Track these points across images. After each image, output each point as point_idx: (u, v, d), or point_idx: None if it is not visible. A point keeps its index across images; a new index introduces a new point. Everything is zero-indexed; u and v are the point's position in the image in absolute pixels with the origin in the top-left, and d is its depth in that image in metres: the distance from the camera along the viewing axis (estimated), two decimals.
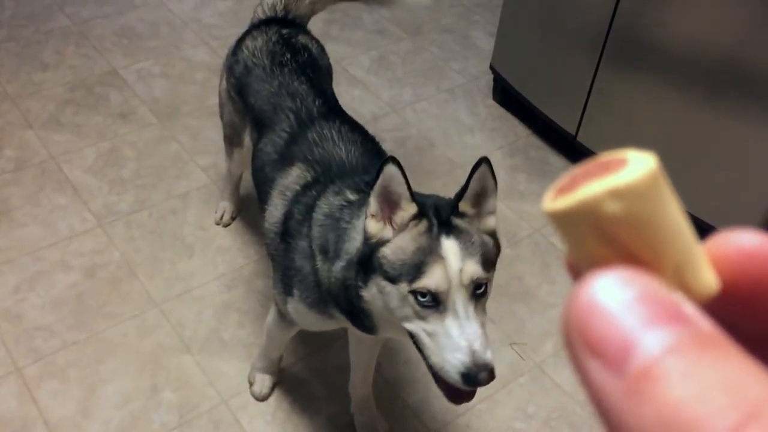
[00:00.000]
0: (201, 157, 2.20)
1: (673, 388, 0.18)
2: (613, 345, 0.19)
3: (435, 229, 1.07)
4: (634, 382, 0.19)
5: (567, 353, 0.20)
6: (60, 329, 1.73)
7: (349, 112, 2.19)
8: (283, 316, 1.42)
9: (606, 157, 0.21)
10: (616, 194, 0.20)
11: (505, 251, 2.02)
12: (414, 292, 1.04)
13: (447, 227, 1.07)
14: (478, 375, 1.02)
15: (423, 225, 1.08)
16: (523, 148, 2.36)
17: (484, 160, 1.10)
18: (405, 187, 1.09)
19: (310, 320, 1.34)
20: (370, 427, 1.60)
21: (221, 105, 1.79)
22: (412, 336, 1.10)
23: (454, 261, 1.04)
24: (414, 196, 1.10)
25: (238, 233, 2.00)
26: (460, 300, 1.04)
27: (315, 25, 2.76)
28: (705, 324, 0.19)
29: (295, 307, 1.33)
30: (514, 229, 2.09)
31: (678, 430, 0.17)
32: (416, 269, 1.04)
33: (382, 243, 1.10)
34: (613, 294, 0.20)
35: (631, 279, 0.20)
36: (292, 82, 1.54)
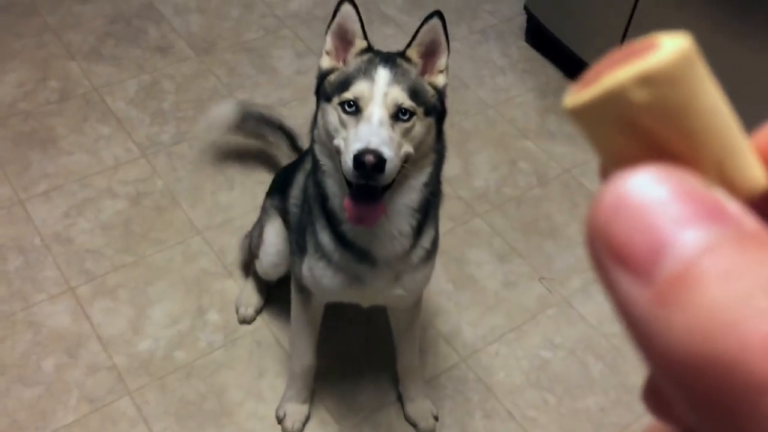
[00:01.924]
0: (238, 91, 2.25)
1: (708, 293, 0.16)
2: (641, 248, 0.17)
3: (376, 59, 1.16)
4: (664, 289, 0.17)
5: (593, 266, 0.18)
6: (109, 252, 1.82)
7: (381, 49, 2.24)
8: (300, 289, 1.41)
9: (635, 43, 0.19)
10: (644, 79, 0.18)
11: (534, 190, 2.08)
12: (342, 103, 1.14)
13: (387, 61, 1.15)
14: (365, 156, 1.06)
15: (367, 56, 1.18)
16: (554, 90, 2.39)
17: (437, 14, 1.19)
18: (359, 24, 1.19)
19: (325, 280, 1.30)
20: (420, 411, 1.59)
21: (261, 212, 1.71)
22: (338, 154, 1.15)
23: (381, 83, 1.12)
24: (366, 36, 1.20)
25: (276, 168, 2.06)
26: (377, 113, 1.10)
27: None
28: (750, 222, 0.17)
29: (309, 265, 1.31)
30: (544, 168, 2.14)
31: (713, 340, 0.16)
32: (346, 84, 1.14)
33: (331, 72, 1.20)
34: (642, 192, 0.18)
35: (663, 175, 0.18)
36: None
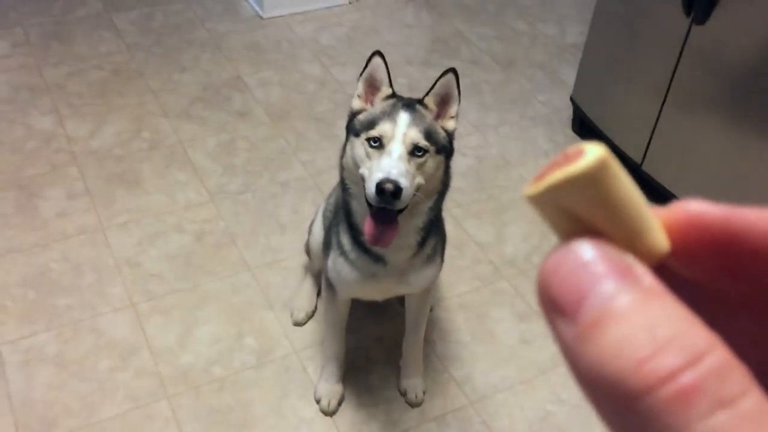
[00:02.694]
0: (302, 153, 2.52)
1: (608, 331, 0.21)
2: (570, 298, 0.22)
3: (399, 104, 1.40)
4: (583, 328, 0.21)
5: (543, 315, 0.23)
6: (169, 278, 2.07)
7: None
8: (330, 286, 1.64)
9: (570, 149, 0.24)
10: (571, 179, 0.23)
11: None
12: (368, 139, 1.37)
13: (407, 106, 1.39)
14: (384, 185, 1.29)
15: (391, 100, 1.43)
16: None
17: (452, 70, 1.43)
18: (386, 74, 1.45)
19: (344, 273, 1.54)
20: (412, 384, 1.82)
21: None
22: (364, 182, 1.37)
23: (402, 125, 1.35)
24: (391, 83, 1.45)
25: None
26: (397, 149, 1.33)
27: (417, 54, 3.07)
28: (648, 279, 0.22)
29: (332, 259, 1.56)
30: None
31: (608, 365, 0.20)
32: (373, 123, 1.38)
33: (360, 112, 1.44)
34: (571, 257, 0.23)
35: (587, 245, 0.23)
36: None
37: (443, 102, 1.44)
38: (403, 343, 1.83)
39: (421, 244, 1.49)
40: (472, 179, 2.48)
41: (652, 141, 2.29)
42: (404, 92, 2.88)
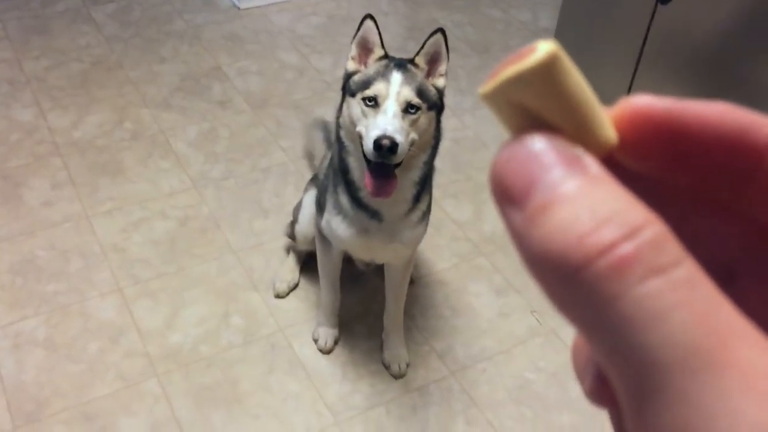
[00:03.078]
0: (283, 140, 2.57)
1: (555, 213, 0.22)
2: (520, 186, 0.23)
3: (391, 65, 1.47)
4: (531, 213, 0.22)
5: (496, 207, 0.24)
6: (155, 262, 2.11)
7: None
8: (322, 238, 1.74)
9: (523, 49, 0.24)
10: (521, 73, 0.24)
11: None
12: (364, 98, 1.45)
13: (399, 66, 1.46)
14: (382, 141, 1.37)
15: (384, 61, 1.50)
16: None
17: (440, 30, 1.50)
18: (378, 36, 1.51)
19: (339, 231, 1.63)
20: (394, 356, 1.88)
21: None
22: (360, 141, 1.45)
23: (395, 83, 1.43)
24: (383, 45, 1.51)
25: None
26: (391, 107, 1.41)
27: (393, 41, 3.13)
28: (595, 168, 0.23)
29: (327, 219, 1.65)
30: None
31: (551, 242, 0.21)
32: (368, 83, 1.46)
33: (355, 74, 1.51)
34: (522, 149, 0.24)
35: (538, 137, 0.24)
36: None
37: (433, 61, 1.51)
38: (384, 317, 1.89)
39: (416, 199, 1.58)
40: (449, 161, 2.54)
41: None
42: None
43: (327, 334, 1.91)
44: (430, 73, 1.51)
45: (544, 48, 0.24)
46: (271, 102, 2.75)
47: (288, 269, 2.07)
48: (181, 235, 2.20)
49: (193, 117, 2.64)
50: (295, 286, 2.06)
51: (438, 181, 2.44)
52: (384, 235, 1.61)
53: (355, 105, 1.47)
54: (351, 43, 1.54)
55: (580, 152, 0.24)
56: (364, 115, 1.45)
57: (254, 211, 2.29)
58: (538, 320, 2.03)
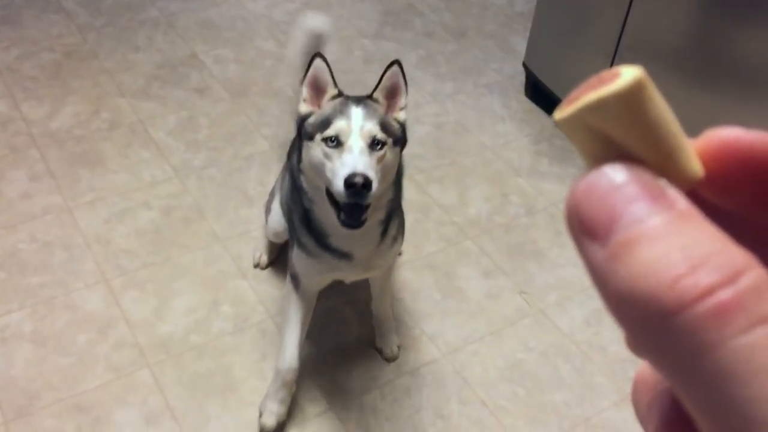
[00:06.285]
0: (264, 128, 2.55)
1: (642, 251, 0.20)
2: (601, 221, 0.22)
3: (349, 101, 1.40)
4: (614, 250, 0.21)
5: (572, 240, 0.23)
6: (141, 253, 2.08)
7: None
8: (293, 277, 1.65)
9: (605, 72, 0.24)
10: (602, 101, 0.22)
11: (522, 219, 2.31)
12: (324, 139, 1.36)
13: (358, 102, 1.40)
14: (354, 178, 1.28)
15: (339, 99, 1.43)
16: (548, 137, 2.64)
17: (396, 62, 1.43)
18: (329, 75, 1.43)
19: (309, 271, 1.58)
20: (386, 340, 1.89)
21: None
22: (329, 194, 1.38)
23: (357, 118, 1.36)
24: (336, 83, 1.43)
25: None
26: (357, 144, 1.33)
27: (369, 27, 3.12)
28: (682, 203, 0.22)
29: (297, 254, 1.58)
30: (533, 202, 2.37)
31: (640, 282, 0.20)
32: (327, 123, 1.37)
33: (309, 116, 1.43)
34: (603, 180, 0.22)
35: (620, 168, 0.23)
36: None
37: (391, 95, 1.45)
38: (372, 307, 1.89)
39: (384, 232, 1.52)
40: (431, 146, 2.55)
41: None
42: (359, 64, 2.94)
43: (272, 412, 1.68)
44: (389, 108, 1.45)
45: (630, 74, 0.23)
46: (251, 90, 2.73)
47: (268, 242, 2.04)
48: (165, 225, 2.18)
49: (171, 106, 2.61)
50: (275, 259, 2.06)
51: (422, 166, 2.46)
52: (355, 269, 1.57)
53: (315, 148, 1.38)
54: (300, 84, 1.47)
55: (665, 185, 0.23)
56: (328, 157, 1.35)
57: (239, 200, 2.28)
58: (526, 301, 2.06)
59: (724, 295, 0.19)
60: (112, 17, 3.02)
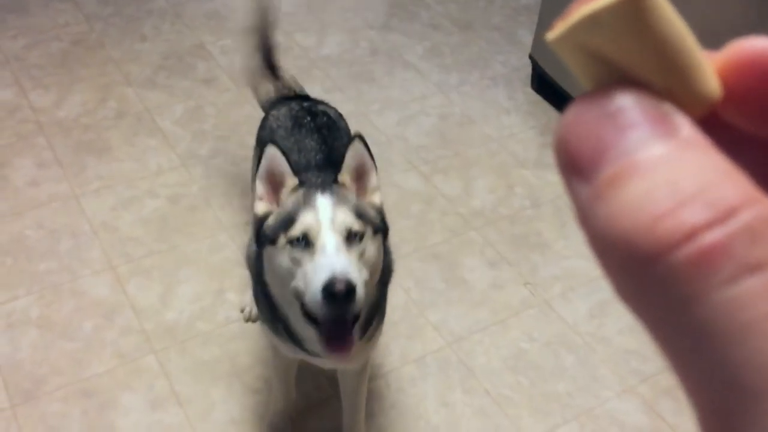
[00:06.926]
0: None
1: (629, 186, 0.17)
2: (588, 153, 0.19)
3: (312, 189, 1.18)
4: (599, 186, 0.18)
5: (561, 178, 0.20)
6: (147, 241, 2.09)
7: (400, 92, 2.56)
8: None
9: None
10: (597, 14, 0.19)
11: (527, 211, 2.31)
12: (290, 241, 1.13)
13: (324, 188, 1.19)
14: (335, 285, 1.04)
15: (301, 189, 1.21)
16: (554, 129, 2.64)
17: (358, 137, 1.23)
18: (286, 165, 1.22)
19: (276, 346, 1.43)
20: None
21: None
22: (304, 310, 1.14)
23: (325, 209, 1.13)
24: (294, 171, 1.22)
25: None
26: (330, 241, 1.10)
27: (376, 18, 3.12)
28: (687, 128, 0.18)
29: (266, 333, 1.42)
30: (538, 194, 2.37)
31: (618, 223, 0.17)
32: (290, 221, 1.15)
33: (268, 216, 1.22)
34: (596, 106, 0.19)
35: (617, 91, 0.19)
36: (305, 139, 1.57)
37: (359, 175, 1.25)
38: (343, 421, 1.61)
39: (364, 332, 1.28)
40: (436, 137, 2.55)
41: None
42: (366, 56, 2.94)
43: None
44: (360, 192, 1.24)
45: None
46: None
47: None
48: (171, 213, 2.19)
49: (178, 95, 2.62)
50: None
51: (427, 157, 2.46)
52: (329, 363, 1.36)
53: (279, 254, 1.15)
54: (253, 181, 1.28)
55: (669, 109, 0.19)
56: (296, 263, 1.12)
57: (245, 189, 2.28)
58: (531, 292, 2.06)
59: (710, 237, 0.16)
60: (120, 6, 3.03)
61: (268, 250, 1.19)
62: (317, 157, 1.52)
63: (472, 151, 2.51)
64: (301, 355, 1.37)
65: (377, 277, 1.22)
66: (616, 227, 0.17)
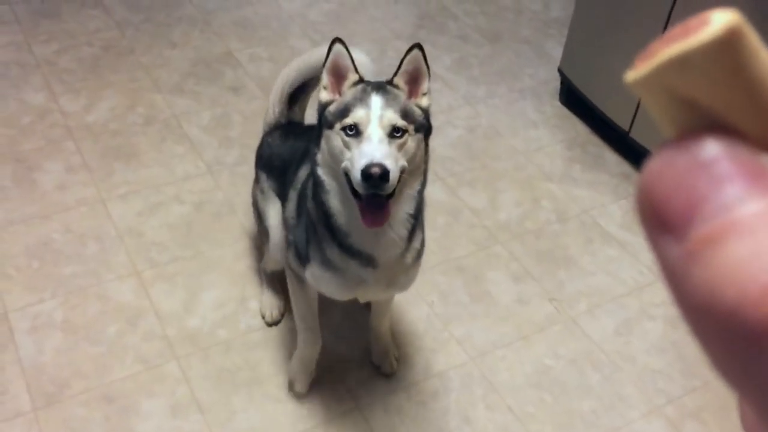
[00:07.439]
0: None
1: (730, 248, 0.16)
2: (679, 207, 0.17)
3: (368, 88, 1.36)
4: (694, 245, 0.16)
5: (643, 234, 0.19)
6: (172, 246, 2.10)
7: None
8: (298, 280, 1.60)
9: (692, 19, 0.19)
10: (686, 55, 0.18)
11: (553, 226, 2.29)
12: (344, 128, 1.33)
13: (378, 88, 1.35)
14: (371, 169, 1.25)
15: (360, 86, 1.38)
16: (581, 143, 2.62)
17: (417, 46, 1.39)
18: (350, 60, 1.39)
19: (331, 287, 1.51)
20: (384, 357, 1.84)
21: (254, 205, 1.90)
22: (351, 187, 1.32)
23: (376, 107, 1.32)
24: (356, 69, 1.39)
25: None
26: (376, 133, 1.30)
27: (404, 29, 3.11)
28: None
29: (313, 273, 1.51)
30: (564, 208, 2.35)
31: (720, 291, 0.15)
32: (346, 111, 1.33)
33: (330, 104, 1.39)
34: (685, 156, 0.18)
35: (708, 140, 0.17)
36: (302, 138, 1.75)
37: (413, 80, 1.40)
38: (371, 322, 1.82)
39: (410, 238, 1.45)
40: (463, 149, 2.54)
41: (639, 109, 2.36)
42: (393, 67, 2.92)
43: (302, 379, 1.76)
44: (411, 94, 1.40)
45: (722, 20, 0.18)
46: None
47: (270, 295, 1.95)
48: (196, 219, 2.19)
49: (205, 102, 2.63)
50: (286, 308, 1.93)
51: (453, 169, 2.45)
52: (378, 283, 1.48)
53: (334, 137, 1.34)
54: (322, 72, 1.42)
55: (767, 162, 0.18)
56: (347, 146, 1.32)
57: None
58: (557, 308, 2.03)
59: None
60: (150, 13, 3.05)
61: (326, 133, 1.37)
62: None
63: (498, 164, 2.50)
64: (350, 282, 1.47)
65: (418, 165, 1.38)
66: (718, 296, 0.16)
